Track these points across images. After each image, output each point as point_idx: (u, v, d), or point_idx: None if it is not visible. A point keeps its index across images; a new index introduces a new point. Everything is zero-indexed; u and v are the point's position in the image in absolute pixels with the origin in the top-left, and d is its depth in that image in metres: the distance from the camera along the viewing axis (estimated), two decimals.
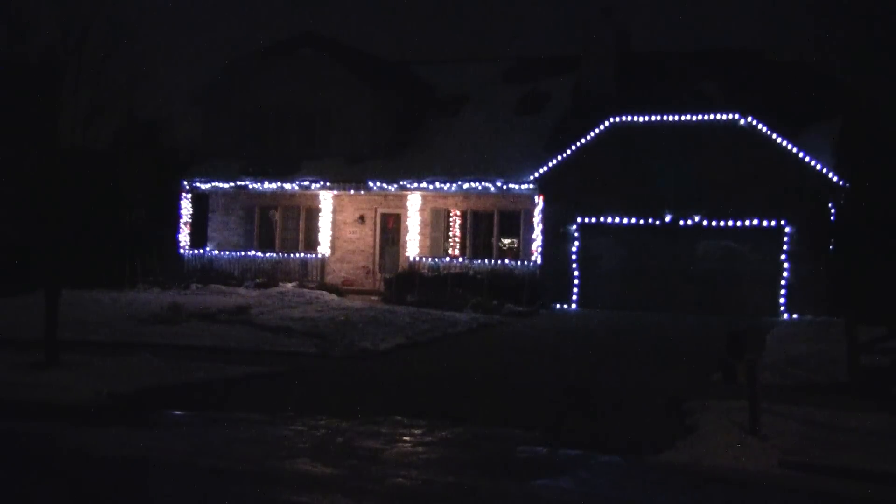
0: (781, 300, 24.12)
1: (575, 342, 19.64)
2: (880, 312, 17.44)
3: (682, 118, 24.99)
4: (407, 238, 28.60)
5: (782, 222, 24.16)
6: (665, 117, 25.10)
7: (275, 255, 30.12)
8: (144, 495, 8.49)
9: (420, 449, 10.30)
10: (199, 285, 28.40)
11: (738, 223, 24.47)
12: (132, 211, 32.47)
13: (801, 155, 23.90)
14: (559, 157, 26.17)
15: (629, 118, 25.42)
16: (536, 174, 26.34)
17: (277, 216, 31.01)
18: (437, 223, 28.86)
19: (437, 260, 28.03)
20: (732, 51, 29.86)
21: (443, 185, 27.81)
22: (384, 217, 29.92)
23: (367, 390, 14.17)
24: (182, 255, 30.72)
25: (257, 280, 28.70)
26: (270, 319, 21.34)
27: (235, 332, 19.78)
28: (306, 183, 29.37)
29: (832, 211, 24.46)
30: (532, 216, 27.04)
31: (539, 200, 26.66)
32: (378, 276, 29.39)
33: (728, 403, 12.02)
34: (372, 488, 8.74)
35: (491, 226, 28.57)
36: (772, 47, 29.79)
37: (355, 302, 25.67)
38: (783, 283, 24.15)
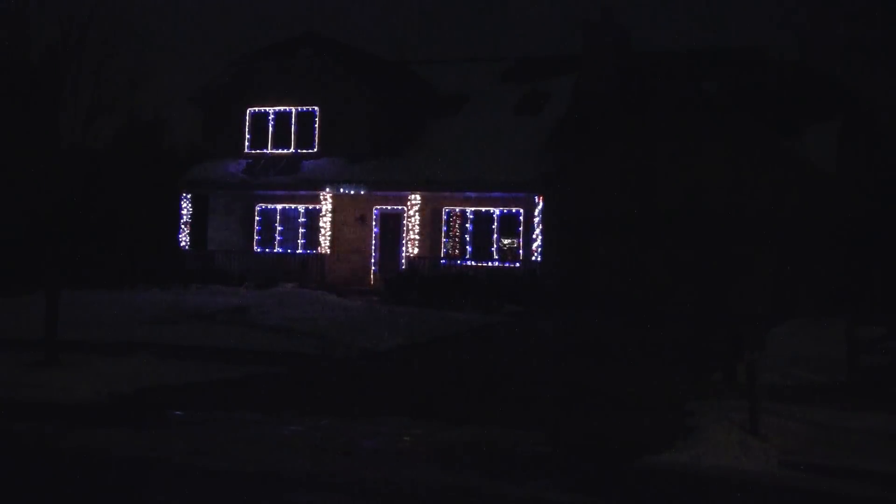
0: (781, 300, 24.10)
1: (575, 342, 19.62)
2: (880, 312, 17.45)
3: (682, 119, 24.97)
4: (407, 238, 28.60)
5: (782, 220, 24.14)
6: (667, 118, 25.08)
7: (275, 255, 30.12)
8: (144, 495, 8.48)
9: (420, 449, 10.29)
10: (199, 285, 28.38)
11: (738, 221, 24.46)
12: (132, 211, 32.45)
13: (800, 153, 23.90)
14: (559, 157, 26.16)
15: (628, 119, 25.42)
16: (536, 174, 26.33)
17: (277, 216, 31.00)
18: (437, 223, 28.86)
19: (437, 260, 28.02)
20: (732, 51, 29.86)
21: (443, 185, 27.80)
22: (384, 217, 29.93)
23: (367, 390, 14.16)
24: (182, 255, 30.71)
25: (257, 280, 28.70)
26: (270, 319, 21.32)
27: (235, 333, 19.76)
28: (306, 183, 29.38)
29: (832, 209, 24.44)
30: (532, 216, 27.03)
31: (539, 200, 26.65)
32: (378, 276, 29.39)
33: (728, 403, 12.01)
34: (372, 489, 8.74)
35: (491, 226, 28.58)
36: (772, 47, 29.74)
37: (355, 302, 25.64)
38: (782, 282, 24.13)
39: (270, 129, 30.75)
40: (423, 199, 28.48)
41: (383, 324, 20.86)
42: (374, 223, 29.87)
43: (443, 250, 28.83)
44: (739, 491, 8.97)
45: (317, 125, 30.22)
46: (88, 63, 16.98)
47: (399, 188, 28.44)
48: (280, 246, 30.67)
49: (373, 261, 29.83)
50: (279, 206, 30.88)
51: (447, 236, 29.02)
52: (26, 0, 20.24)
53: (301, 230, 30.74)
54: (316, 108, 30.15)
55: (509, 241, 28.60)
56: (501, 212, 28.36)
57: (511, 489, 8.70)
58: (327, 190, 29.28)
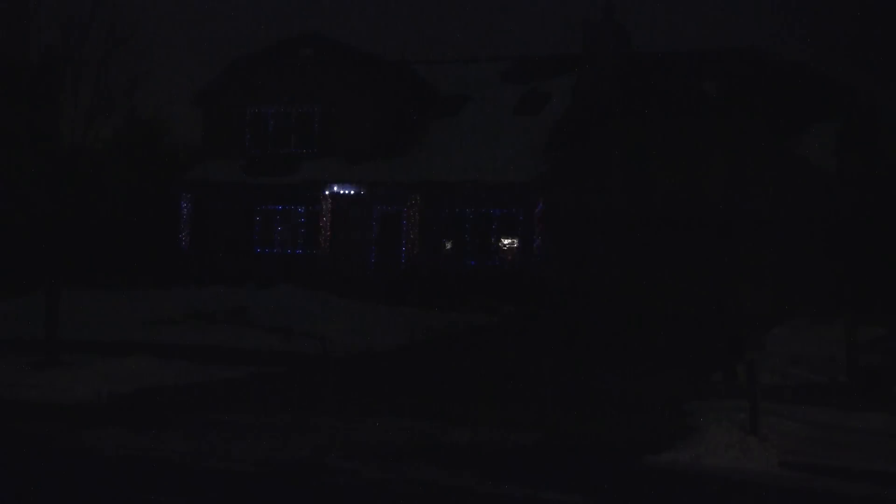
0: (780, 300, 24.07)
1: (575, 342, 19.62)
2: (880, 312, 17.45)
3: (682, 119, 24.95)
4: (407, 238, 28.60)
5: (783, 220, 24.13)
6: (667, 118, 25.05)
7: (275, 255, 30.11)
8: (145, 495, 8.49)
9: (420, 449, 10.29)
10: (199, 285, 28.35)
11: (738, 221, 24.45)
12: (132, 211, 32.46)
13: (800, 153, 23.90)
14: (559, 158, 26.15)
15: (628, 119, 25.40)
16: (536, 174, 26.32)
17: (277, 216, 31.00)
18: (437, 223, 28.84)
19: (437, 260, 28.02)
20: (732, 51, 29.84)
21: (443, 185, 27.80)
22: (384, 217, 29.91)
23: (367, 391, 14.17)
24: (182, 255, 30.70)
25: (257, 280, 28.65)
26: (270, 320, 21.32)
27: (235, 333, 19.78)
28: (306, 183, 29.38)
29: (832, 210, 24.41)
30: (532, 216, 27.02)
31: (539, 201, 26.64)
32: (378, 276, 29.37)
33: (728, 403, 12.03)
34: (372, 489, 8.75)
35: (491, 226, 28.55)
36: (772, 47, 29.79)
37: (355, 302, 25.62)
38: (782, 282, 24.11)
39: (270, 129, 30.76)
40: (423, 199, 28.46)
41: (383, 324, 20.88)
42: (373, 223, 29.85)
43: (442, 250, 28.82)
44: (739, 491, 8.97)
45: (317, 125, 30.21)
46: (88, 63, 17.06)
47: (399, 188, 28.43)
48: (280, 246, 30.65)
49: (373, 261, 29.81)
50: (279, 206, 30.86)
51: (447, 236, 28.99)
52: (26, 0, 20.33)
53: (301, 230, 30.71)
54: (316, 108, 30.15)
55: (509, 241, 28.58)
56: (501, 212, 28.33)
57: (511, 489, 8.70)
58: (327, 190, 29.28)
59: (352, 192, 29.24)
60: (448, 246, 28.93)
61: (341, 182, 29.04)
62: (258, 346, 18.22)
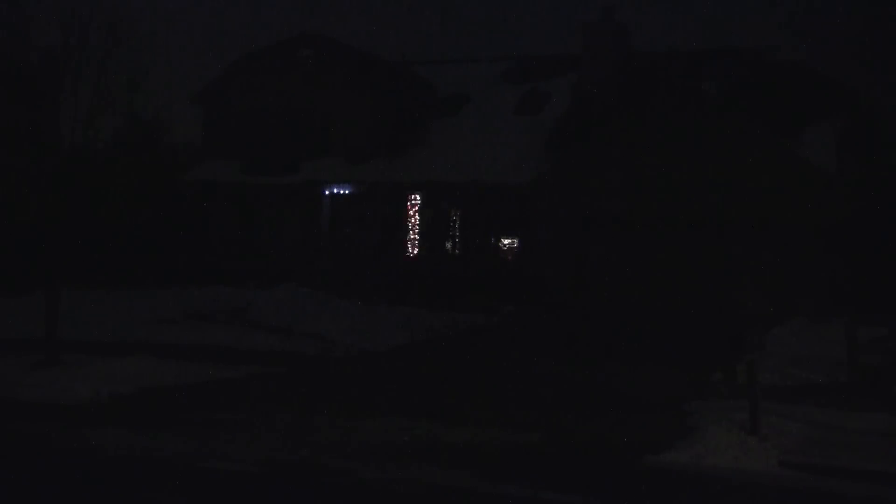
0: (780, 300, 24.06)
1: (575, 342, 19.63)
2: (880, 312, 17.46)
3: (682, 119, 24.93)
4: (407, 238, 28.59)
5: (783, 220, 24.13)
6: (667, 118, 25.05)
7: (275, 254, 30.10)
8: (144, 495, 8.49)
9: (419, 449, 10.30)
10: (199, 285, 28.35)
11: (738, 221, 24.44)
12: (132, 211, 32.47)
13: (800, 153, 23.89)
14: (559, 157, 26.15)
15: (628, 119, 25.41)
16: (536, 174, 26.32)
17: (277, 216, 31.00)
18: (437, 223, 28.85)
19: (437, 260, 28.01)
20: (732, 51, 29.84)
21: (443, 185, 27.80)
22: (384, 217, 29.91)
23: (367, 391, 14.17)
24: (182, 255, 30.70)
25: (257, 280, 28.65)
26: (270, 319, 21.35)
27: (235, 333, 19.79)
28: (306, 183, 29.38)
29: (832, 209, 24.41)
30: (532, 216, 27.02)
31: (539, 200, 26.63)
32: (378, 276, 29.36)
33: (728, 403, 12.03)
34: (372, 489, 8.75)
35: (491, 226, 28.56)
36: (772, 47, 29.76)
37: (355, 302, 25.63)
38: (782, 282, 24.12)
39: (270, 129, 30.74)
40: (423, 199, 28.47)
41: (383, 324, 20.89)
42: (373, 223, 29.85)
43: (443, 250, 28.81)
44: (739, 491, 8.98)
45: (316, 125, 30.21)
46: (88, 63, 17.04)
47: (399, 188, 28.43)
48: (280, 246, 30.64)
49: (373, 261, 29.79)
50: (279, 207, 30.85)
51: (447, 236, 28.99)
52: (27, 0, 20.42)
53: (301, 230, 30.71)
54: (316, 108, 30.14)
55: (509, 240, 28.58)
56: (501, 212, 28.31)
57: (511, 489, 8.70)
58: (327, 190, 29.28)
59: (352, 192, 29.24)
60: (448, 246, 28.93)
61: (341, 182, 29.05)
62: (258, 346, 18.22)
